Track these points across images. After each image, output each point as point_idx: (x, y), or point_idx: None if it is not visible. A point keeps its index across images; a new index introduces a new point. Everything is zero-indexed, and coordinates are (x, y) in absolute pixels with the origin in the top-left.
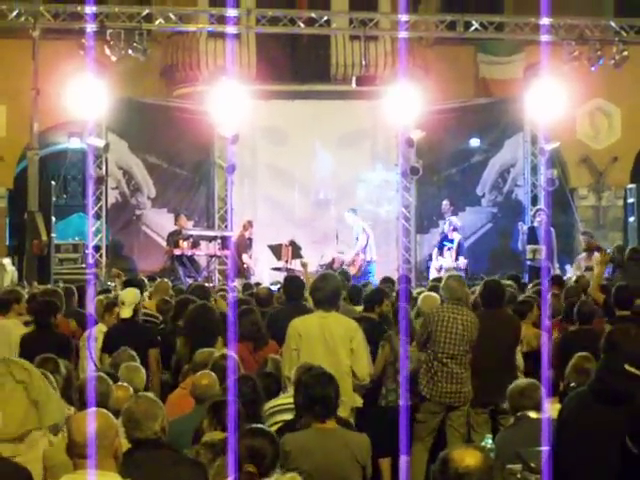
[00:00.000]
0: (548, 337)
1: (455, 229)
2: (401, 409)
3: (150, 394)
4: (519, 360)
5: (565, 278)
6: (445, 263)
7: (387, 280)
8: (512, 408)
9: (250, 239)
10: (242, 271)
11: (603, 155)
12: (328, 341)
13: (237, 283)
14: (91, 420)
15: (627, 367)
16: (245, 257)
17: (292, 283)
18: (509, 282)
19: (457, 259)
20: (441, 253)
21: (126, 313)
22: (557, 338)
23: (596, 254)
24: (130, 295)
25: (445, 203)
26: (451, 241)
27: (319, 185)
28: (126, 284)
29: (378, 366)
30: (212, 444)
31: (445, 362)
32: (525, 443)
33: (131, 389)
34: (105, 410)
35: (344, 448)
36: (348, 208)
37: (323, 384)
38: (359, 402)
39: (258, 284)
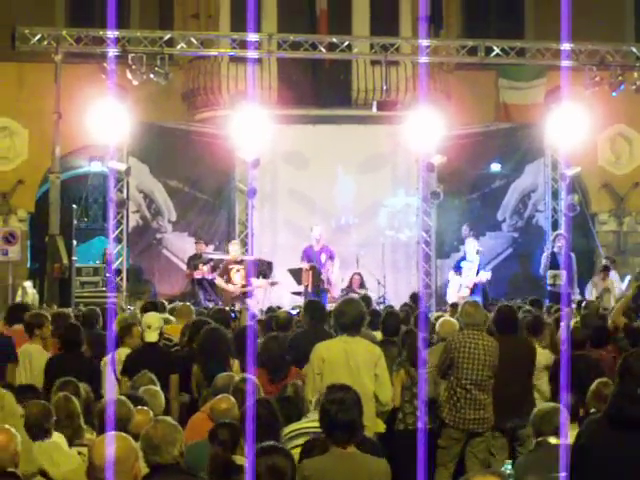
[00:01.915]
0: (565, 362)
1: (477, 252)
2: (419, 433)
3: (169, 418)
4: (544, 386)
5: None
6: (464, 281)
7: (405, 304)
8: (534, 433)
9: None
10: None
11: (624, 181)
12: (352, 366)
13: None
14: (111, 444)
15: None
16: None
17: (314, 307)
18: (528, 307)
19: (477, 274)
20: (460, 274)
21: (152, 337)
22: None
23: (612, 276)
24: (156, 319)
25: (465, 228)
26: (470, 262)
27: (340, 209)
28: (146, 307)
29: (397, 391)
30: None
31: (469, 389)
32: (543, 469)
33: (151, 413)
34: (125, 434)
35: (363, 473)
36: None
37: (345, 409)
38: (382, 427)
39: (279, 307)
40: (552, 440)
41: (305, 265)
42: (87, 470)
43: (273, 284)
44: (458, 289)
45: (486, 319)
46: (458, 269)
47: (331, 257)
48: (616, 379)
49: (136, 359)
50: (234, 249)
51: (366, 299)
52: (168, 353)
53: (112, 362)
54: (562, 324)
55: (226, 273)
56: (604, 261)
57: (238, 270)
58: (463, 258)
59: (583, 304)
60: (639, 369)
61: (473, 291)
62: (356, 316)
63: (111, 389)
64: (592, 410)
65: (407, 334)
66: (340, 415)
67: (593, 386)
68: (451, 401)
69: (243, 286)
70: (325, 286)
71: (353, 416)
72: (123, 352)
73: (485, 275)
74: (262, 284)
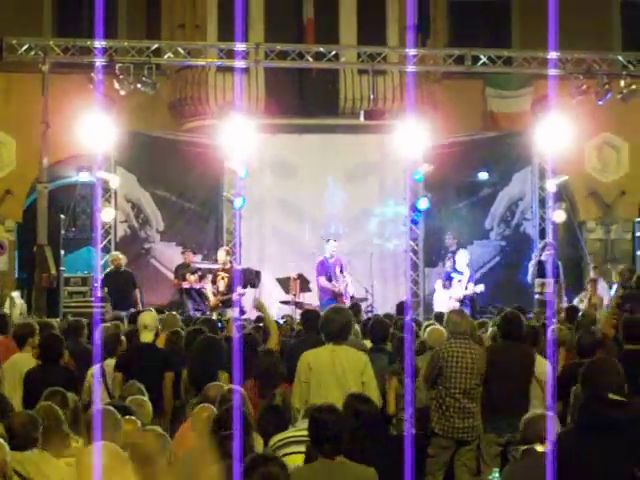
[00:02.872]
0: (553, 369)
1: (467, 264)
2: (405, 440)
3: (158, 428)
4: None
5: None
6: (455, 293)
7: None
8: (522, 440)
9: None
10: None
11: (611, 188)
12: (339, 374)
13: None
14: (99, 454)
15: (611, 396)
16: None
17: (310, 316)
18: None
19: (466, 288)
20: (450, 285)
21: (148, 337)
22: (559, 371)
23: (600, 285)
24: (151, 318)
25: (448, 236)
26: (460, 273)
27: (328, 219)
28: (132, 317)
29: (391, 399)
30: None
31: (457, 397)
32: (529, 478)
33: (139, 422)
34: (112, 444)
35: None
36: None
37: (332, 423)
38: None
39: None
40: (539, 448)
41: (293, 274)
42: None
43: (240, 295)
44: (447, 301)
45: (473, 327)
46: (448, 280)
47: (341, 269)
48: (582, 388)
49: (132, 357)
50: (221, 255)
51: (355, 307)
52: (164, 352)
53: (97, 373)
54: (548, 331)
55: (215, 281)
56: (591, 273)
57: (223, 278)
58: (453, 269)
59: (580, 313)
60: (603, 376)
61: (462, 303)
62: (342, 324)
63: (99, 399)
64: None
65: (400, 342)
66: (327, 428)
67: (576, 392)
68: (440, 410)
69: (224, 294)
70: (337, 298)
71: (339, 429)
72: (112, 363)
73: (479, 287)
74: (244, 292)
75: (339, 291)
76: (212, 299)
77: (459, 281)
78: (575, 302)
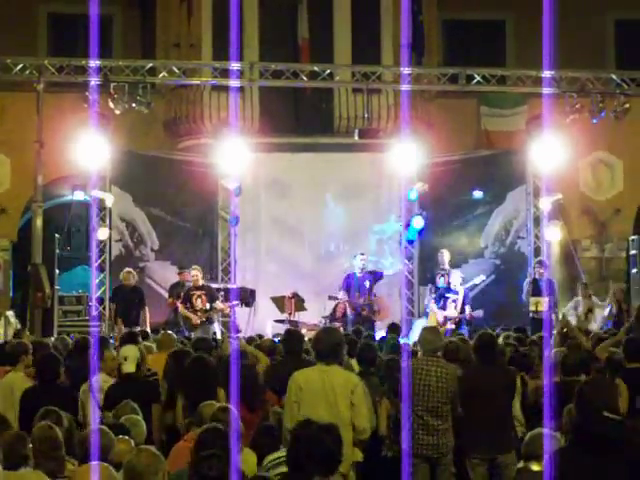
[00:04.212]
0: (549, 389)
1: (461, 283)
2: (403, 460)
3: (152, 448)
4: (517, 412)
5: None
6: (450, 314)
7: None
8: (521, 458)
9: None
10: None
11: (605, 207)
12: (329, 394)
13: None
14: (93, 474)
15: (606, 415)
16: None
17: (292, 337)
18: (514, 335)
19: (463, 310)
20: (444, 306)
21: (130, 368)
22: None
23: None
24: (132, 351)
25: (440, 254)
26: (455, 292)
27: (322, 237)
28: (124, 338)
29: (382, 419)
30: None
31: (420, 414)
32: None
33: (133, 442)
34: (106, 464)
35: None
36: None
37: (324, 439)
38: (359, 456)
39: (260, 336)
40: (534, 467)
41: (287, 293)
42: None
43: (232, 308)
44: (443, 321)
45: (447, 346)
46: (443, 299)
47: (376, 279)
48: (576, 407)
49: (116, 392)
50: (195, 274)
51: (357, 332)
52: (147, 383)
53: (93, 390)
54: (546, 352)
55: (188, 300)
56: (580, 291)
57: (199, 296)
58: (447, 289)
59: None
60: (598, 396)
61: (459, 325)
62: (333, 345)
63: (94, 418)
64: None
65: (388, 364)
66: (318, 446)
67: (567, 412)
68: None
69: (205, 312)
70: (367, 313)
71: (331, 445)
72: (100, 379)
73: (477, 313)
74: (224, 307)
75: (359, 303)
76: (193, 318)
77: (453, 301)
78: (568, 310)
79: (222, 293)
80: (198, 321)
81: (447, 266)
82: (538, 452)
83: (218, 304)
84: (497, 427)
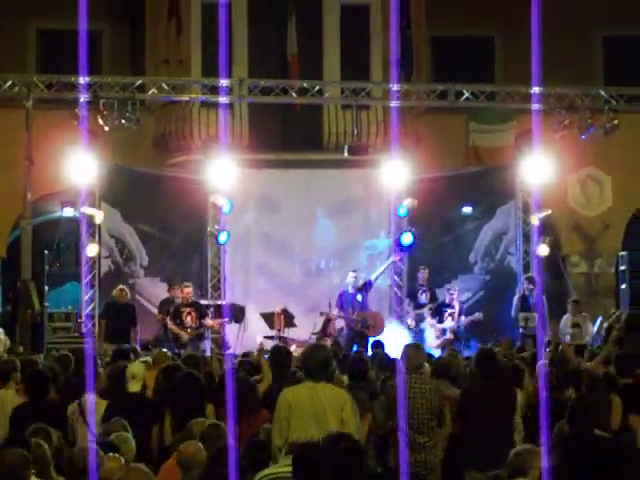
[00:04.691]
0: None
1: (454, 297)
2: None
3: (142, 465)
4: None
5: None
6: (448, 324)
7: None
8: (507, 475)
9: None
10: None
11: (595, 222)
12: (318, 411)
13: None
14: None
15: (597, 433)
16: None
17: (279, 353)
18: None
19: (459, 320)
20: (441, 320)
21: (136, 387)
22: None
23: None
24: (139, 369)
25: (421, 273)
26: (452, 307)
27: (312, 253)
28: (115, 354)
29: (362, 436)
30: None
31: (406, 432)
32: None
33: (122, 460)
34: None
35: None
36: None
37: (313, 459)
38: None
39: (250, 352)
40: None
41: (277, 309)
42: None
43: (222, 324)
44: (442, 333)
45: (437, 362)
46: (439, 315)
47: (367, 289)
48: (569, 424)
49: (119, 410)
50: (187, 291)
51: (336, 344)
52: (151, 403)
53: (89, 410)
54: (538, 365)
55: (178, 316)
56: (570, 308)
57: (189, 313)
58: (443, 304)
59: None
60: (588, 413)
61: (457, 336)
62: (321, 361)
63: (89, 437)
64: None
65: (385, 381)
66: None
67: (557, 429)
68: (391, 445)
69: (195, 329)
70: (360, 328)
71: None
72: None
73: (476, 316)
74: (211, 324)
75: (353, 319)
76: (184, 335)
77: (450, 314)
78: (561, 329)
79: (212, 309)
80: (187, 338)
81: (424, 283)
82: (523, 467)
83: (208, 321)
84: (498, 442)
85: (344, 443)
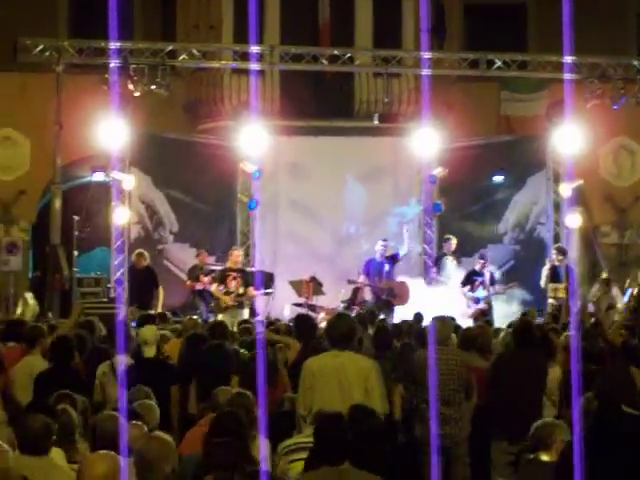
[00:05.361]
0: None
1: (485, 265)
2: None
3: (163, 434)
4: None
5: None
6: (480, 294)
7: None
8: (529, 448)
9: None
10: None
11: (626, 193)
12: (342, 380)
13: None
14: (98, 464)
15: (625, 409)
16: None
17: (303, 322)
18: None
19: (491, 287)
20: (472, 288)
21: (150, 352)
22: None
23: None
24: (151, 333)
25: (448, 244)
26: (482, 275)
27: (342, 221)
28: (140, 319)
29: (396, 406)
30: None
31: (434, 405)
32: None
33: (145, 427)
34: (113, 453)
35: None
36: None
37: (337, 429)
38: None
39: (278, 320)
40: (544, 457)
41: (306, 277)
42: None
43: (267, 294)
44: (474, 302)
45: (464, 333)
46: (471, 283)
47: (395, 261)
48: (597, 400)
49: (134, 375)
50: (237, 256)
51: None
52: (166, 366)
53: (119, 371)
54: (569, 336)
55: (223, 281)
56: (604, 274)
57: (234, 278)
58: (474, 272)
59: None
60: (616, 388)
61: (491, 305)
62: (346, 331)
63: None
64: None
65: (403, 349)
66: (333, 436)
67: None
68: (417, 417)
69: (238, 296)
70: (387, 297)
71: (341, 435)
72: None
73: (515, 285)
74: (257, 294)
75: (379, 287)
76: (226, 299)
77: (482, 283)
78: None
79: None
80: (230, 303)
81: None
82: (547, 441)
83: (252, 290)
84: (527, 413)
85: (364, 418)
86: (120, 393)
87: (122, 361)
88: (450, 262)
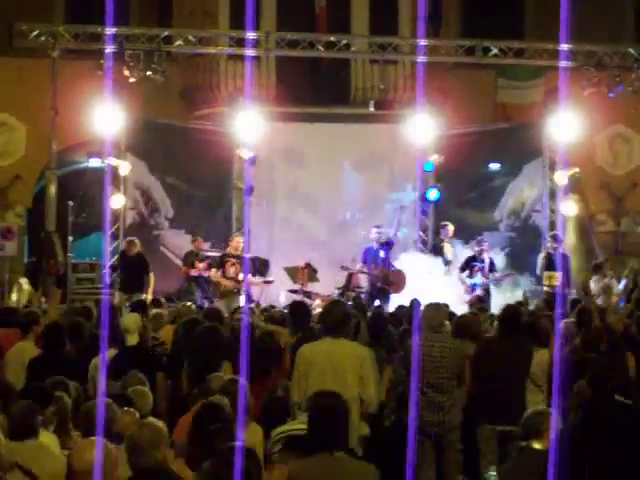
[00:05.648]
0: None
1: (484, 250)
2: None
3: (155, 421)
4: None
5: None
6: (478, 281)
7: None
8: (521, 436)
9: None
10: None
11: (622, 181)
12: (336, 368)
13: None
14: (90, 450)
15: (617, 398)
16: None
17: (298, 309)
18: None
19: (489, 274)
20: (471, 274)
21: (132, 340)
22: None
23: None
24: (132, 321)
25: (445, 230)
26: (481, 261)
27: (338, 208)
28: (133, 306)
29: (382, 391)
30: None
31: (425, 391)
32: (525, 476)
33: (137, 414)
34: (105, 440)
35: (350, 477)
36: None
37: (330, 417)
38: (365, 431)
39: (272, 307)
40: (536, 445)
41: (301, 263)
42: (66, 475)
43: (267, 282)
44: (471, 289)
45: (457, 321)
46: (470, 269)
47: (390, 247)
48: (590, 388)
49: (118, 363)
50: (237, 242)
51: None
52: (150, 353)
53: (104, 362)
54: (557, 325)
55: (222, 266)
56: (598, 260)
57: (233, 264)
58: (472, 258)
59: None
60: (609, 377)
61: (488, 292)
62: (340, 317)
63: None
64: None
65: (403, 335)
66: (327, 422)
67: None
68: (406, 403)
69: (236, 282)
70: (382, 284)
71: (340, 423)
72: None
73: (510, 274)
74: (257, 282)
75: (375, 275)
76: (226, 283)
77: (480, 269)
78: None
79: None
80: (230, 286)
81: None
82: (539, 429)
83: (250, 277)
84: (510, 398)
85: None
86: (101, 381)
87: (104, 349)
88: (448, 248)
